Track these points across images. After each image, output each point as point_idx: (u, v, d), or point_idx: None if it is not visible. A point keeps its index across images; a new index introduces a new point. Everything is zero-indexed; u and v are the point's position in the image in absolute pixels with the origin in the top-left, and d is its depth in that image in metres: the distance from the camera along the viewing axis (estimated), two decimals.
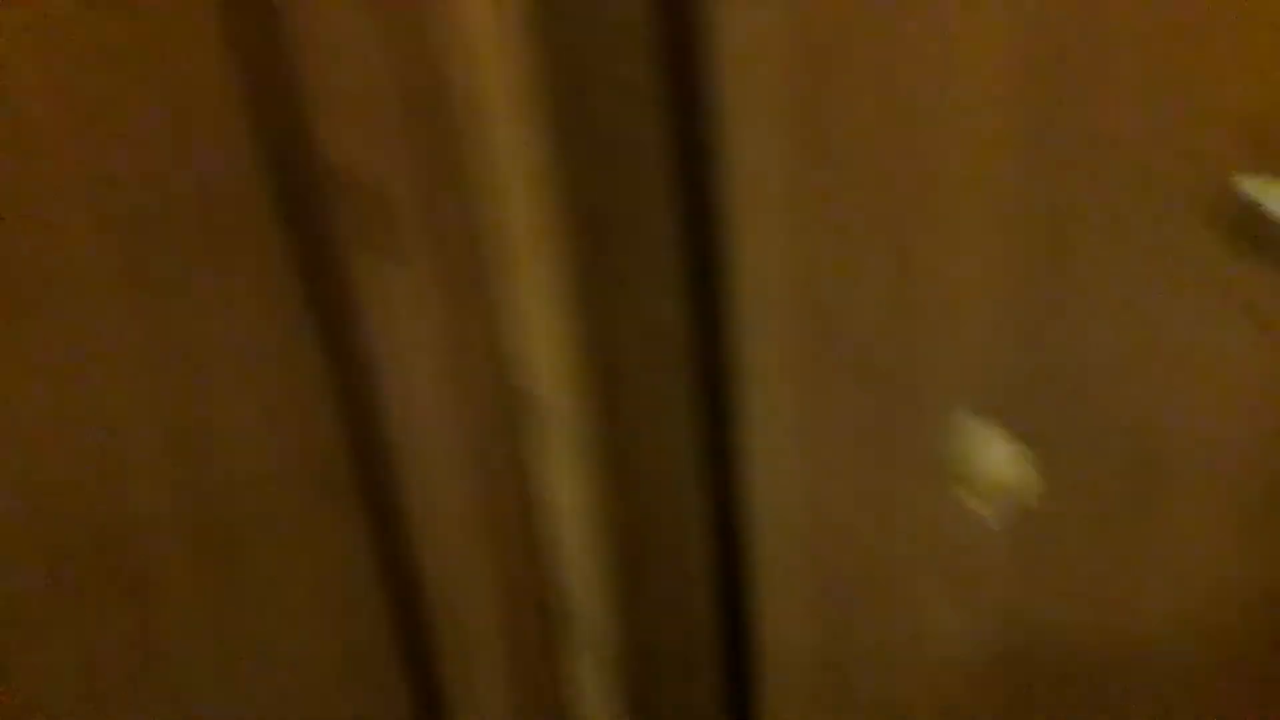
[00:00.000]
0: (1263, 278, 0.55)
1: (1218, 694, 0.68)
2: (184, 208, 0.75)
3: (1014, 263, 0.64)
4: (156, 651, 0.84)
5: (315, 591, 0.92)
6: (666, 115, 0.72)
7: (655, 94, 0.72)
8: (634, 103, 0.72)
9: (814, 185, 0.70)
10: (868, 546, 0.82)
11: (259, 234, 0.79)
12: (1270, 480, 0.58)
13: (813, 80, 0.66)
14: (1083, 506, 0.68)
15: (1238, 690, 0.66)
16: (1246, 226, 0.54)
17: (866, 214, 0.69)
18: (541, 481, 0.85)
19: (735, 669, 1.01)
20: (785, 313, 0.76)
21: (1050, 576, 0.72)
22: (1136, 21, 0.55)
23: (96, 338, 0.75)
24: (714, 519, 0.93)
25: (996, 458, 0.72)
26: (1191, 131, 0.56)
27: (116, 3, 0.68)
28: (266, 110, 0.75)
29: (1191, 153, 0.56)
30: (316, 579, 0.91)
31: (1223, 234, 0.55)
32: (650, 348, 0.81)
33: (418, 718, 1.01)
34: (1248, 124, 0.54)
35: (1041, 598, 0.73)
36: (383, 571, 0.95)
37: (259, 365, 0.82)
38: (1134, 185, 0.57)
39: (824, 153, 0.67)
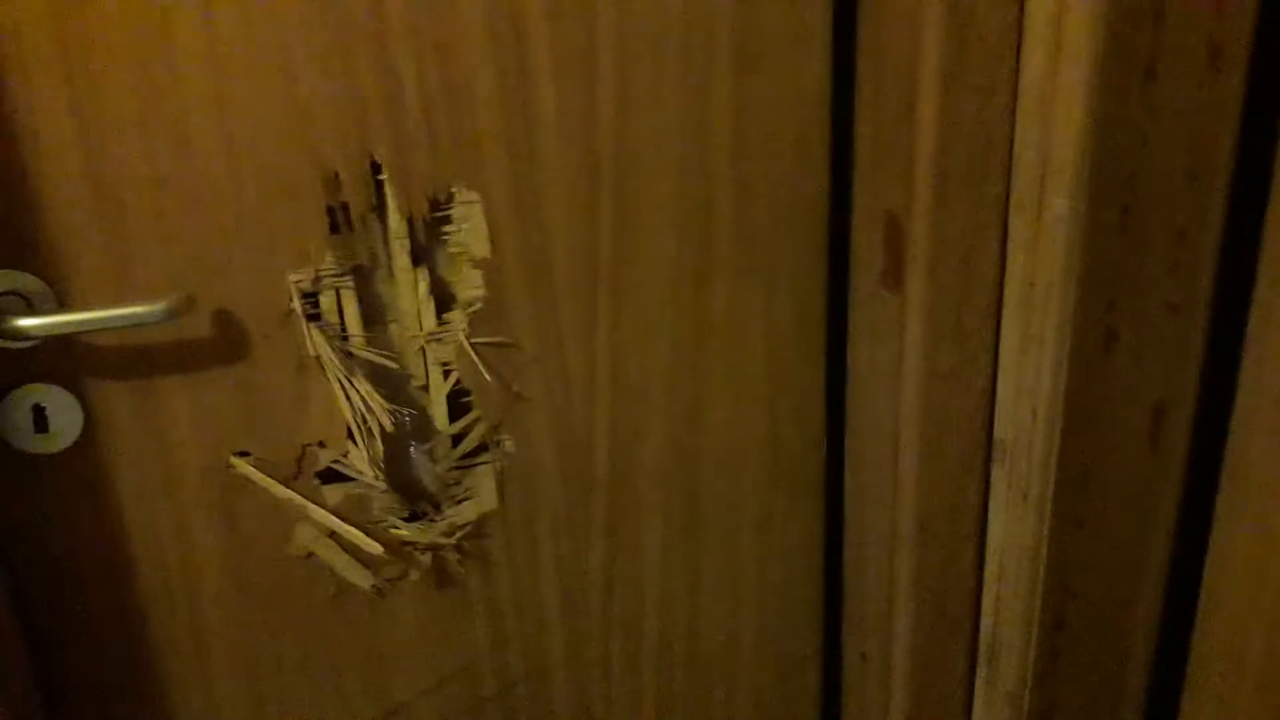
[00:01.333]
0: None
1: None
2: (755, 207, 0.84)
3: None
4: (626, 574, 0.95)
5: (759, 569, 0.99)
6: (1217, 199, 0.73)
7: (1211, 187, 0.72)
8: (1188, 189, 0.73)
9: None
10: None
11: (797, 246, 0.87)
12: None
13: None
14: None
15: None
16: None
17: None
18: (990, 524, 0.87)
19: None
20: None
21: None
22: None
23: (644, 309, 0.86)
24: (1165, 606, 0.91)
25: None
26: None
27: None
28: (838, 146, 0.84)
29: None
30: (763, 556, 0.98)
31: None
32: (1136, 418, 0.81)
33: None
34: None
35: None
36: (822, 567, 1.01)
37: (765, 359, 0.90)
38: None
39: None
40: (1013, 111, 0.75)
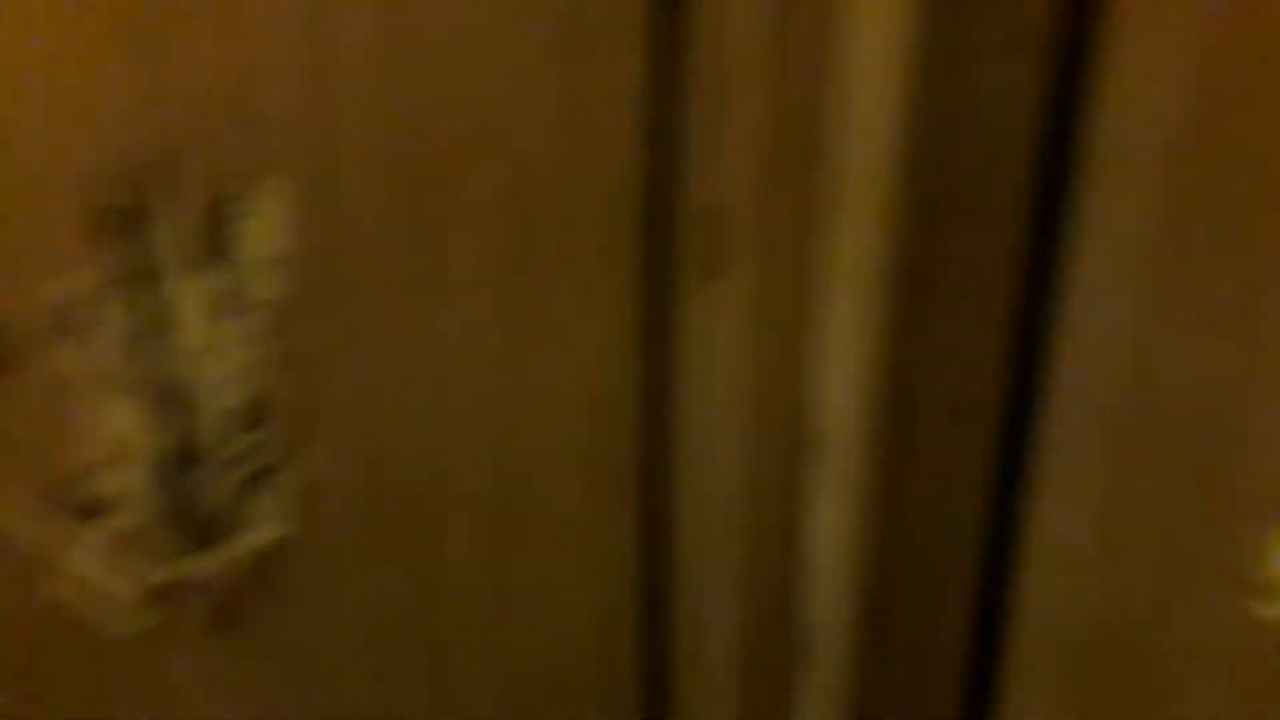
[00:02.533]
0: None
1: None
2: (560, 203, 0.80)
3: None
4: (435, 598, 0.88)
5: (576, 577, 0.94)
6: (1028, 168, 0.75)
7: (1021, 145, 0.74)
8: (997, 159, 0.75)
9: (1179, 252, 0.71)
10: (1146, 648, 0.81)
11: (612, 240, 0.83)
12: None
13: (1205, 135, 0.68)
14: None
15: None
16: None
17: (1222, 294, 0.71)
18: (809, 515, 0.87)
19: None
20: (1112, 388, 0.77)
21: None
22: None
23: (459, 308, 0.79)
24: (979, 583, 0.93)
25: None
26: None
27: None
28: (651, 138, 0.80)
29: None
30: (580, 564, 0.93)
31: None
32: (952, 403, 0.83)
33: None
34: None
35: None
36: (640, 571, 0.96)
37: (579, 358, 0.86)
38: None
39: (1202, 209, 0.68)
40: (830, 100, 0.75)
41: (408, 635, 0.90)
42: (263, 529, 0.81)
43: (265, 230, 0.73)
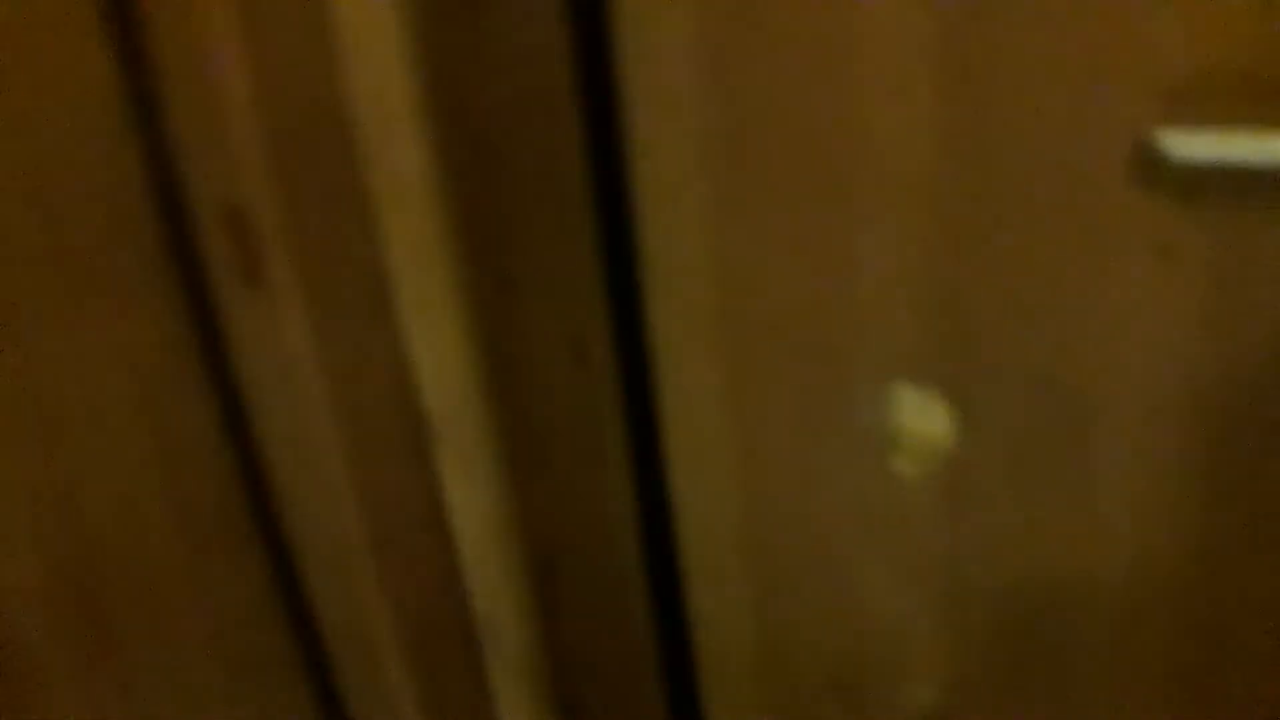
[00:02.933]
0: (1173, 220, 0.59)
1: (1160, 636, 0.72)
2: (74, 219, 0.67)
3: (934, 225, 0.65)
4: None
5: (211, 649, 0.83)
6: (571, 110, 0.70)
7: (562, 92, 0.69)
8: (537, 103, 0.69)
9: (731, 162, 0.69)
10: (802, 521, 0.82)
11: (136, 269, 0.71)
12: (1189, 416, 0.62)
13: (724, 57, 0.65)
14: (1009, 456, 0.70)
15: (1180, 631, 0.71)
16: (1161, 174, 0.57)
17: (785, 190, 0.69)
18: (445, 498, 0.80)
19: (677, 666, 0.99)
20: (705, 293, 0.75)
21: (982, 529, 0.74)
22: None
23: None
24: (642, 518, 0.91)
25: (921, 418, 0.73)
26: (1107, 95, 0.58)
27: None
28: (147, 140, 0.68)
29: (1108, 114, 0.58)
30: (210, 634, 0.83)
31: (1139, 185, 0.58)
32: (558, 352, 0.78)
33: None
34: (1162, 83, 0.57)
35: (976, 551, 0.75)
36: (284, 612, 0.87)
37: (132, 413, 0.74)
38: (1052, 149, 0.59)
39: (740, 129, 0.66)
40: (336, 66, 0.65)
41: None
42: None
43: None
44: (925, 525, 0.78)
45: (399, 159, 0.66)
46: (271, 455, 0.78)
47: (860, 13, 0.61)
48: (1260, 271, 0.58)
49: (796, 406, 0.78)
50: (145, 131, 0.69)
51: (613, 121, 0.70)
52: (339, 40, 0.63)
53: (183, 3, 0.62)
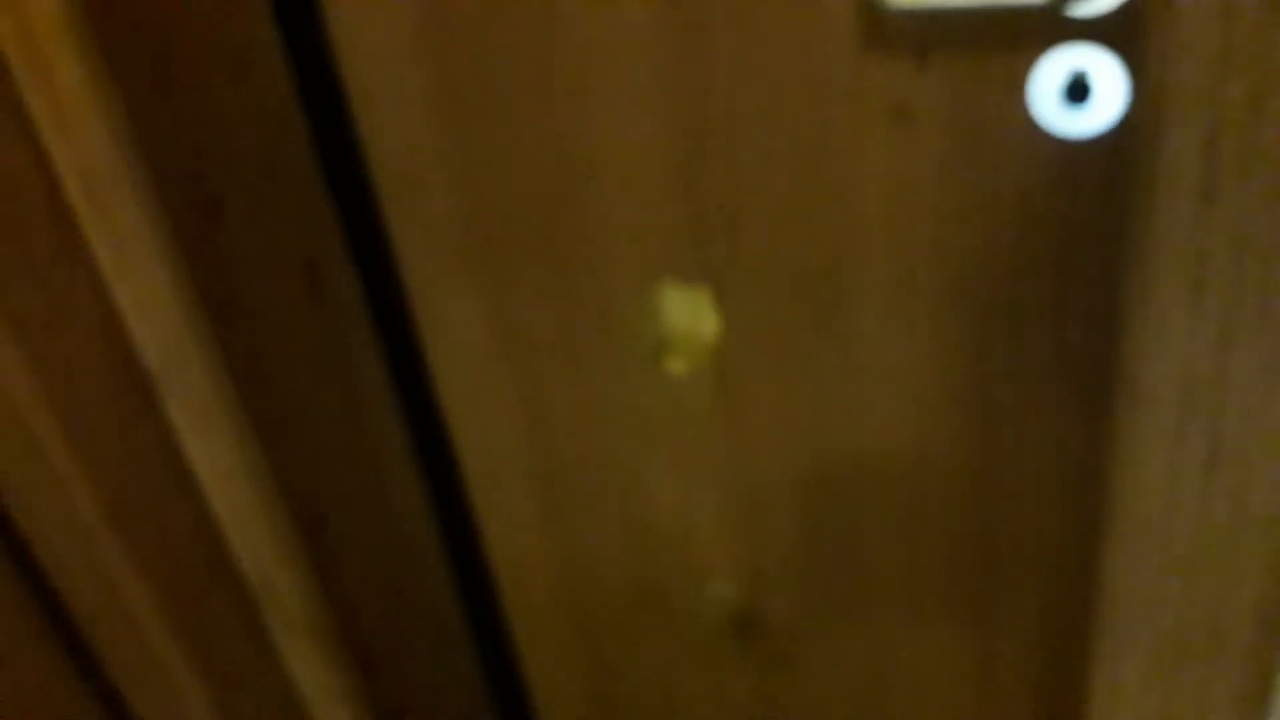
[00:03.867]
0: (906, 80, 0.56)
1: (941, 508, 0.71)
2: None
3: (674, 120, 0.61)
4: None
5: None
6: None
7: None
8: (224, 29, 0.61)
9: (452, 61, 0.62)
10: (584, 436, 0.78)
11: None
12: (942, 288, 0.61)
13: None
14: (774, 346, 0.68)
15: (959, 501, 0.70)
16: (887, 31, 0.54)
17: (517, 90, 0.63)
18: (185, 456, 0.73)
19: (479, 604, 0.95)
20: (446, 205, 0.69)
21: (759, 423, 0.72)
22: None
23: None
24: (419, 456, 0.86)
25: (687, 316, 0.70)
26: None
27: None
28: None
29: None
30: None
31: (868, 47, 0.55)
32: (287, 282, 0.72)
33: None
34: None
35: (756, 446, 0.73)
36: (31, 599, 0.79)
37: None
38: (777, 24, 0.56)
39: (462, 27, 0.60)
40: None
41: None
42: None
43: None
44: (704, 425, 0.75)
45: (54, 77, 0.57)
46: None
47: None
48: (995, 127, 0.56)
49: (561, 318, 0.74)
50: None
51: (320, 24, 0.63)
52: None
53: None
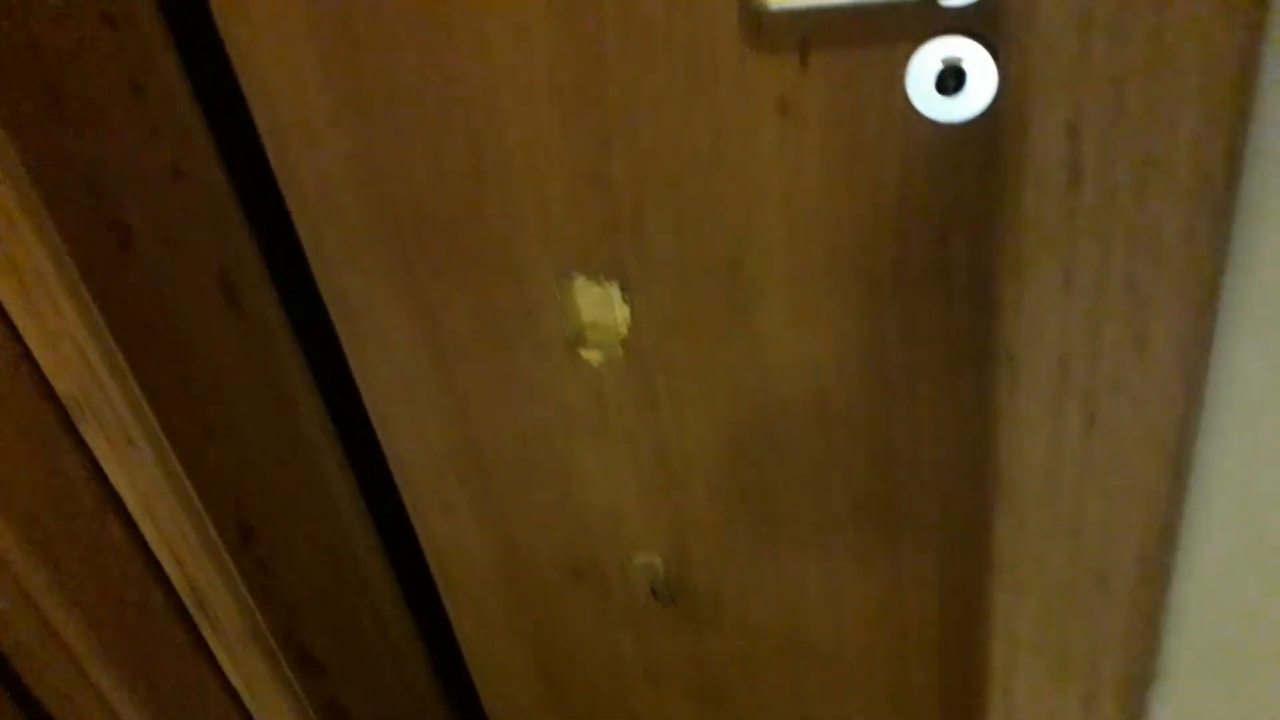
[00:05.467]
0: (789, 75, 0.58)
1: (845, 467, 0.75)
2: None
3: (572, 119, 0.62)
4: None
5: None
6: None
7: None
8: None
9: (352, 63, 0.63)
10: (509, 428, 0.80)
11: None
12: (839, 261, 0.63)
13: None
14: (682, 331, 0.70)
15: (861, 458, 0.74)
16: (767, 28, 0.56)
17: (419, 107, 0.64)
18: (111, 481, 0.73)
19: (423, 598, 0.96)
20: (354, 208, 0.70)
21: (672, 402, 0.75)
22: None
23: None
24: (352, 463, 0.87)
25: (599, 307, 0.71)
26: None
27: None
28: None
29: None
30: None
31: (752, 45, 0.57)
32: (204, 299, 0.72)
33: None
34: None
35: (671, 424, 0.76)
36: None
37: None
38: (664, 23, 0.57)
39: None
40: None
41: None
42: None
43: None
44: (622, 408, 0.78)
45: None
46: None
47: None
48: (876, 116, 0.59)
49: (480, 315, 0.75)
50: None
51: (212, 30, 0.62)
52: None
53: None
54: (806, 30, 0.57)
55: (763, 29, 0.57)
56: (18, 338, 0.64)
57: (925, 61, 0.55)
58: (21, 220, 0.60)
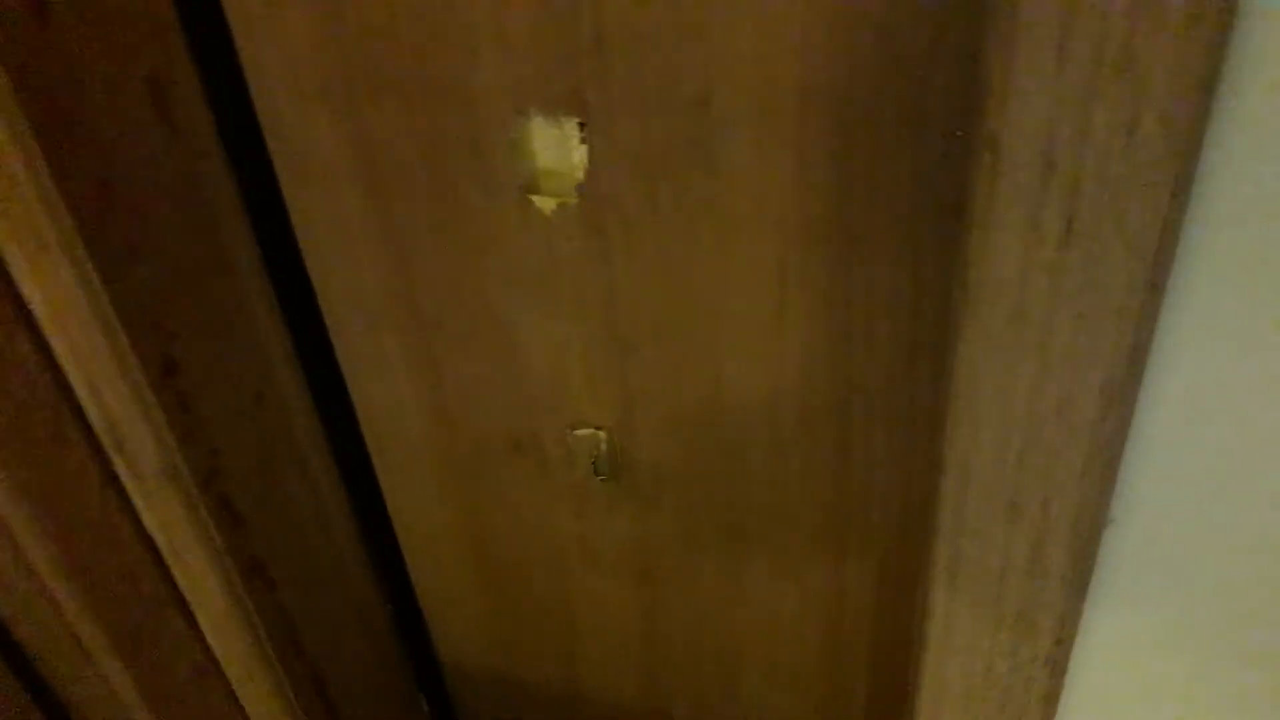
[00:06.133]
0: None
1: (812, 334, 0.72)
2: None
3: None
4: None
5: None
6: None
7: None
8: None
9: None
10: (454, 281, 0.76)
11: None
12: (810, 106, 0.60)
13: None
14: (642, 177, 0.66)
15: (823, 326, 0.71)
16: None
17: None
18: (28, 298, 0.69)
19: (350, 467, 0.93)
20: (304, 44, 0.65)
21: (627, 258, 0.71)
22: None
23: None
24: (285, 313, 0.82)
25: (554, 149, 0.68)
26: None
27: None
28: None
29: None
30: None
31: None
32: (135, 97, 0.67)
33: None
34: None
35: (626, 283, 0.73)
36: None
37: None
38: None
39: None
40: None
41: None
42: None
43: None
44: (573, 264, 0.74)
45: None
46: None
47: None
48: None
49: (427, 152, 0.71)
50: None
51: None
52: None
53: None
54: None
55: None
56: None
57: None
58: None
